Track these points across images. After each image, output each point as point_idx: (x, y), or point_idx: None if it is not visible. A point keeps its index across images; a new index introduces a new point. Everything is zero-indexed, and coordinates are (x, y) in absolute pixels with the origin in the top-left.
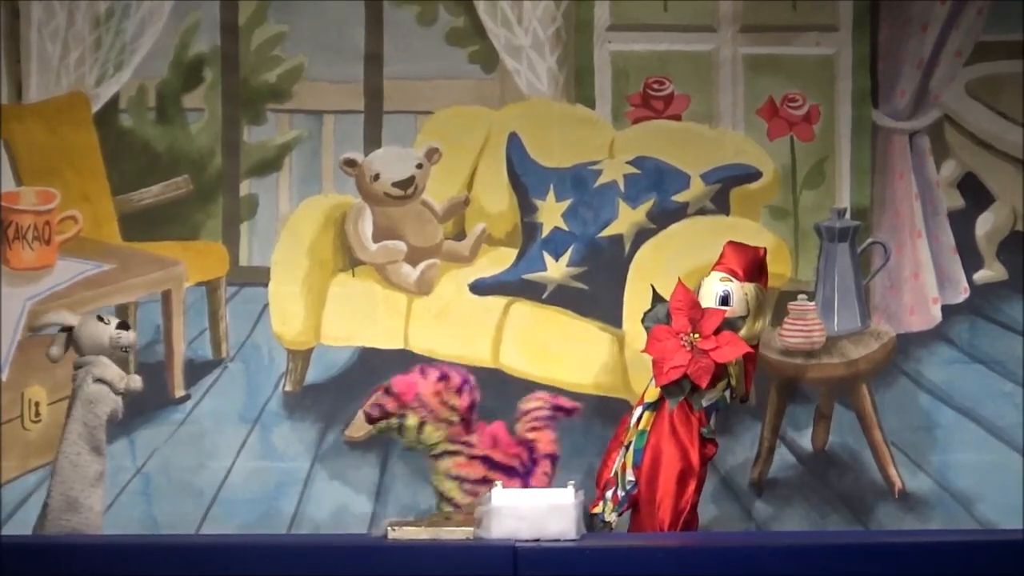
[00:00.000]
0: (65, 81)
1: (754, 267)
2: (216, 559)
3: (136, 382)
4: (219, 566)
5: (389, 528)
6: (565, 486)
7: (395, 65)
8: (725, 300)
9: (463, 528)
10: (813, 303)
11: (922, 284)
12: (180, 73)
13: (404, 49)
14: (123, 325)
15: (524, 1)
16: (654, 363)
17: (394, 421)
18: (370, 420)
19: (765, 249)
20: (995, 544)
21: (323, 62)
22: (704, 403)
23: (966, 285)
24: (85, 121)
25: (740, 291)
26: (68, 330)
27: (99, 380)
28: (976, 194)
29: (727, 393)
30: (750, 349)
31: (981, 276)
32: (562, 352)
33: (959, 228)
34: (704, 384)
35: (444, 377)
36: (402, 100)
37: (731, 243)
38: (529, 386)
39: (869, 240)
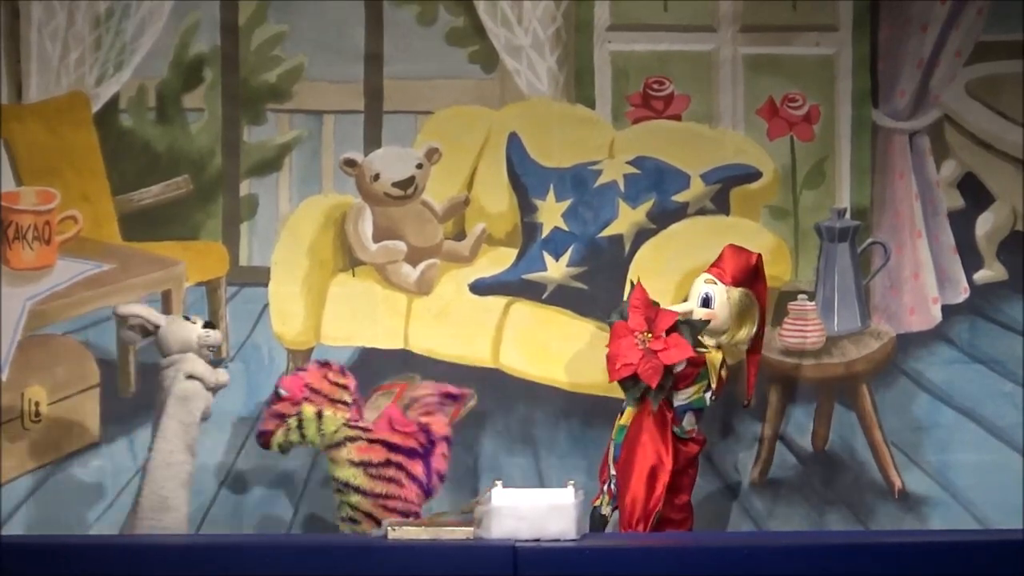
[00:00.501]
0: (65, 81)
1: (746, 272)
2: (216, 559)
3: (224, 376)
4: (219, 566)
5: (389, 528)
6: (565, 486)
7: (395, 65)
8: (707, 302)
9: (463, 528)
10: (813, 303)
11: (922, 284)
12: (180, 73)
13: (404, 49)
14: (209, 324)
15: (524, 1)
16: (607, 358)
17: (292, 421)
18: (266, 439)
19: (759, 255)
20: (995, 544)
21: (323, 62)
22: (680, 402)
23: (966, 285)
24: (85, 121)
25: (723, 295)
26: (147, 331)
27: (191, 376)
28: (976, 194)
29: (707, 395)
30: (692, 353)
31: (981, 276)
32: (562, 352)
33: (959, 228)
34: (654, 384)
35: (324, 363)
36: (402, 100)
37: (730, 246)
38: (529, 386)
39: (869, 240)
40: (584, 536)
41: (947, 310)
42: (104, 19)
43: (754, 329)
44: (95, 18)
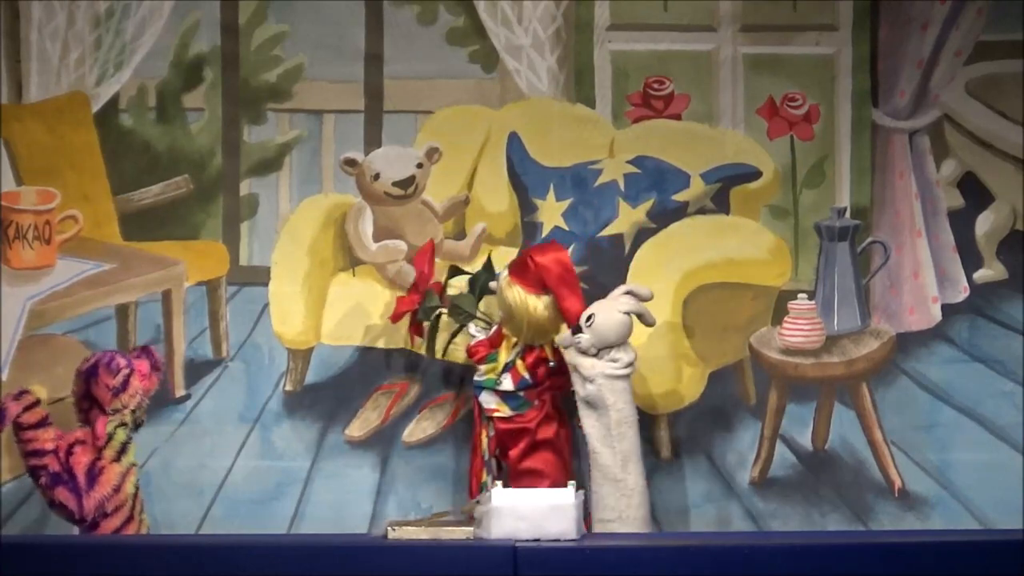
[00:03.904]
0: (65, 81)
1: (525, 269)
2: (216, 559)
3: None
4: (219, 566)
5: (389, 528)
6: (565, 486)
7: (395, 65)
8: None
9: (463, 528)
10: (813, 302)
11: (922, 283)
12: (180, 73)
13: (404, 49)
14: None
15: (524, 1)
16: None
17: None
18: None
19: (530, 256)
20: (995, 544)
21: (323, 62)
22: (476, 378)
23: (966, 284)
24: (85, 121)
25: (502, 287)
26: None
27: None
28: (976, 194)
29: (503, 378)
30: (408, 307)
31: (981, 275)
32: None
33: (959, 228)
34: (393, 319)
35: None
36: (402, 100)
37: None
38: None
39: (869, 239)
40: (584, 536)
41: (947, 309)
42: (104, 19)
43: (525, 327)
44: (95, 18)
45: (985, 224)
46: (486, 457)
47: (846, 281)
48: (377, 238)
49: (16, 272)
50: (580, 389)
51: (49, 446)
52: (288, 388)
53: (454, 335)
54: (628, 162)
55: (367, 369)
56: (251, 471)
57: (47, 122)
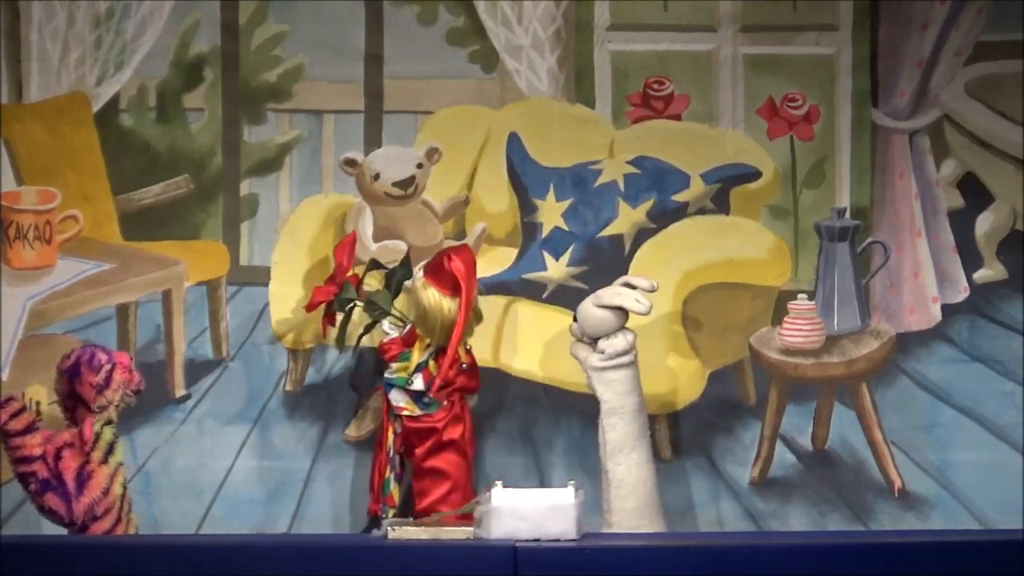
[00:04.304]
0: (65, 81)
1: (440, 270)
2: (216, 559)
3: None
4: (219, 566)
5: (389, 528)
6: (565, 486)
7: (395, 65)
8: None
9: (463, 528)
10: (813, 303)
11: (922, 283)
12: (180, 73)
13: (404, 49)
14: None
15: (524, 1)
16: None
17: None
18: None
19: (448, 255)
20: (995, 544)
21: (323, 62)
22: (387, 375)
23: (966, 284)
24: (85, 121)
25: (416, 288)
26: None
27: None
28: (976, 194)
29: (414, 378)
30: (323, 298)
31: (981, 275)
32: (562, 352)
33: (959, 228)
34: (308, 309)
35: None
36: (402, 100)
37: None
38: (529, 386)
39: (869, 239)
40: (584, 536)
41: (947, 309)
42: (104, 19)
43: (436, 329)
44: (95, 18)
45: (985, 224)
46: (391, 454)
47: (846, 281)
48: (377, 238)
49: (16, 272)
50: (586, 381)
51: (37, 452)
52: (288, 388)
53: (367, 330)
54: (628, 162)
55: (367, 369)
56: (251, 471)
57: (47, 122)
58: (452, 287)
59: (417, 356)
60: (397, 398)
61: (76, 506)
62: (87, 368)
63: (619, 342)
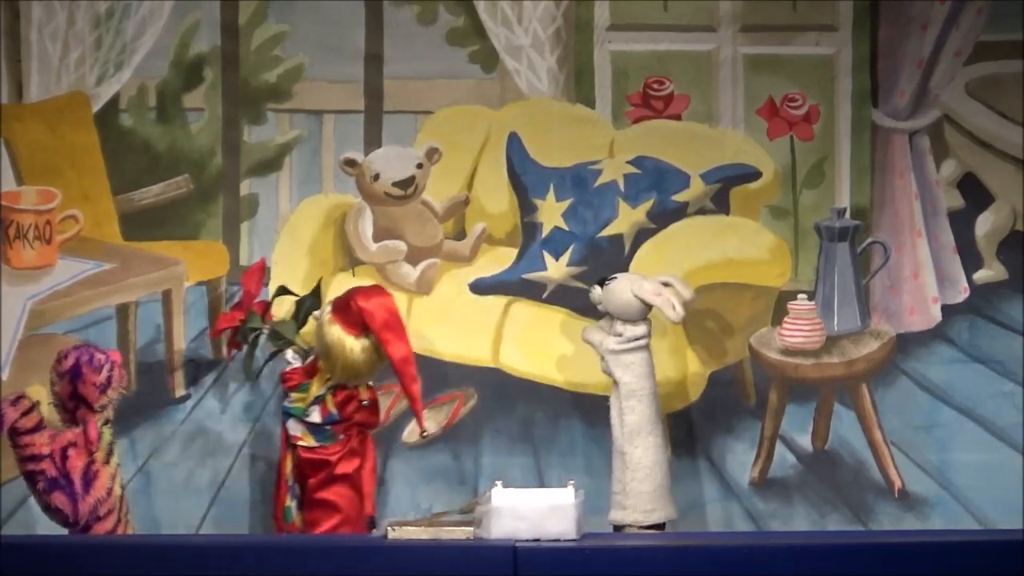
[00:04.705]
0: (65, 81)
1: (346, 311)
2: (216, 559)
3: None
4: (219, 566)
5: (389, 528)
6: (565, 486)
7: (395, 65)
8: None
9: (463, 528)
10: (813, 303)
11: (922, 284)
12: (180, 73)
13: (404, 49)
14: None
15: (524, 1)
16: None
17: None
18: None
19: (356, 296)
20: (995, 544)
21: (323, 62)
22: (285, 404)
23: (966, 285)
24: (85, 121)
25: (322, 324)
26: None
27: None
28: (976, 194)
29: (312, 409)
30: (227, 324)
31: (981, 276)
32: (562, 352)
33: (959, 228)
34: (213, 334)
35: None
36: (402, 100)
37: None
38: (529, 386)
39: (869, 240)
40: (584, 536)
41: (947, 310)
42: (104, 19)
43: (336, 371)
44: (95, 18)
45: (985, 224)
46: (290, 482)
47: (846, 281)
48: (377, 238)
49: (16, 272)
50: (601, 367)
51: (45, 450)
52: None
53: (270, 358)
54: (628, 162)
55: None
56: (252, 470)
57: (47, 122)
58: (358, 327)
59: (316, 389)
60: (294, 427)
61: (82, 505)
62: (89, 368)
63: (640, 328)
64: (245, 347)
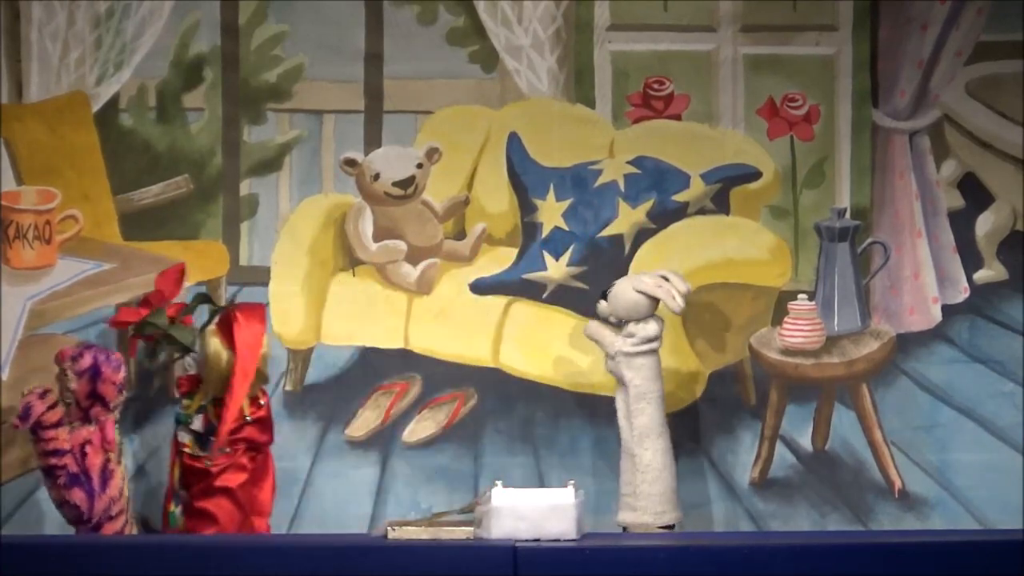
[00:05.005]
0: (65, 81)
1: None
2: (217, 559)
3: None
4: (220, 566)
5: (389, 528)
6: (565, 486)
7: (395, 65)
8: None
9: (463, 528)
10: (813, 303)
11: (922, 284)
12: (180, 73)
13: (404, 49)
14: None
15: (524, 1)
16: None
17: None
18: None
19: (235, 312)
20: (995, 544)
21: (323, 62)
22: (177, 410)
23: (966, 285)
24: (85, 121)
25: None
26: None
27: None
28: (976, 194)
29: (196, 418)
30: (122, 324)
31: (981, 276)
32: (562, 352)
33: (959, 228)
34: (110, 324)
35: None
36: (402, 100)
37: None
38: (529, 386)
39: (869, 240)
40: (584, 536)
41: (947, 310)
42: (104, 19)
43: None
44: (95, 18)
45: (985, 224)
46: (176, 488)
47: (846, 281)
48: (377, 238)
49: (16, 272)
50: (606, 365)
51: (67, 446)
52: (288, 388)
53: (166, 363)
54: (628, 162)
55: (367, 369)
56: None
57: (47, 122)
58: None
59: (200, 398)
60: (182, 434)
61: (98, 503)
62: (108, 367)
63: (651, 328)
64: (141, 344)
